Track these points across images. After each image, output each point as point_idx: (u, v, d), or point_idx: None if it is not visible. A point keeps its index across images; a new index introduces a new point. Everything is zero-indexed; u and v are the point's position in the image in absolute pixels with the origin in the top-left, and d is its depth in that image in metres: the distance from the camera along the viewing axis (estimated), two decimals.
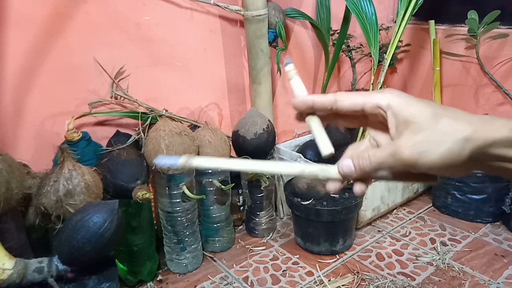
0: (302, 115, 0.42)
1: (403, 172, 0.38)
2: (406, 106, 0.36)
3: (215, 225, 1.42)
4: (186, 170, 0.40)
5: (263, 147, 1.39)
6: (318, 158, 1.73)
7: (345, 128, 1.78)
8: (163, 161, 0.41)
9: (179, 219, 1.29)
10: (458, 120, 0.34)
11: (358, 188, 0.40)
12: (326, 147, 0.41)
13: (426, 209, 1.68)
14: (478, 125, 0.34)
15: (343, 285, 1.25)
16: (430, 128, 0.34)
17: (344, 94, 0.39)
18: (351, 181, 0.41)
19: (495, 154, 0.34)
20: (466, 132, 0.33)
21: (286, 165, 0.42)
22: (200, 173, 1.36)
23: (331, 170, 0.40)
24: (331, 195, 1.40)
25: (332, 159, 0.42)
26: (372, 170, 0.38)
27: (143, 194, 1.12)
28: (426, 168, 0.35)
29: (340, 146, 1.76)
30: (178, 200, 1.27)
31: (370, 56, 1.59)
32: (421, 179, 0.39)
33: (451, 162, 0.34)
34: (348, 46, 1.78)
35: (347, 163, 0.39)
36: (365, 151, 0.38)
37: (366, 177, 0.40)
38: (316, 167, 0.40)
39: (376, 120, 0.39)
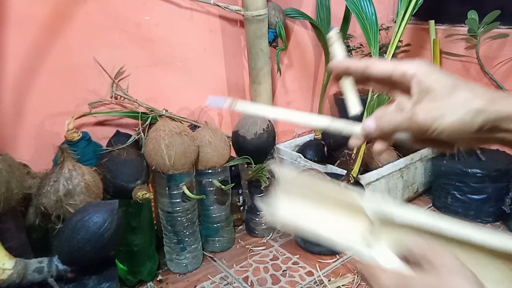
0: (337, 77, 0.46)
1: (419, 136, 0.41)
2: (430, 76, 0.39)
3: (215, 225, 1.42)
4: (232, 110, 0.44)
5: (263, 147, 1.39)
6: (318, 158, 1.73)
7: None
8: (213, 102, 0.46)
9: (179, 219, 1.29)
10: (474, 93, 0.37)
11: (377, 146, 0.44)
12: (355, 107, 0.44)
13: (426, 209, 1.68)
14: (493, 99, 0.37)
15: (343, 285, 1.25)
16: (447, 97, 0.37)
17: (376, 60, 0.43)
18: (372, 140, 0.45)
19: (506, 128, 0.37)
20: (480, 105, 0.36)
21: (317, 118, 0.45)
22: (200, 173, 1.36)
23: (355, 127, 0.43)
24: None
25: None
26: (390, 131, 0.41)
27: (143, 194, 1.12)
28: (438, 133, 0.38)
29: (340, 146, 1.78)
30: (178, 200, 1.27)
31: (370, 56, 1.59)
32: (437, 145, 0.43)
33: (462, 130, 0.37)
34: (348, 46, 1.78)
35: (369, 122, 0.42)
36: (387, 113, 0.42)
37: (385, 137, 0.43)
38: (343, 123, 0.44)
39: (403, 87, 0.42)
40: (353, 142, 0.44)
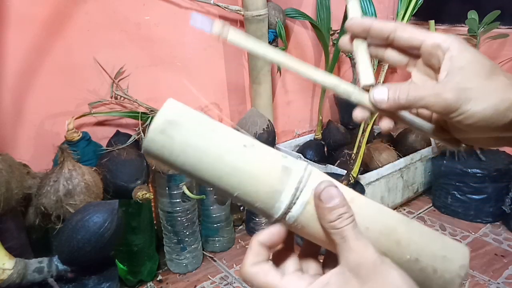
0: (351, 39, 0.39)
1: (431, 119, 0.36)
2: (466, 53, 0.34)
3: (215, 225, 1.42)
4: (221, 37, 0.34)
5: None
6: (318, 158, 1.73)
7: (345, 129, 1.78)
8: (198, 21, 0.38)
9: (179, 219, 1.29)
10: None
11: (385, 123, 0.37)
12: (367, 77, 0.38)
13: (426, 209, 1.68)
14: None
15: None
16: (483, 81, 0.33)
17: (405, 25, 0.37)
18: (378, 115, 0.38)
19: None
20: None
21: (323, 74, 0.38)
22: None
23: (364, 95, 0.37)
24: None
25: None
26: (406, 104, 0.35)
27: (143, 194, 1.12)
28: (464, 117, 0.33)
29: (340, 146, 1.78)
30: (178, 200, 1.27)
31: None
32: (445, 138, 0.38)
33: (492, 120, 0.33)
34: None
35: (382, 90, 0.35)
36: (405, 84, 0.35)
37: (395, 113, 0.37)
38: (352, 86, 0.37)
39: (428, 62, 0.37)
40: (358, 114, 0.38)
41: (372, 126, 1.42)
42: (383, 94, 0.35)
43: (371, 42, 0.39)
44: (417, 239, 0.34)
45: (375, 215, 0.34)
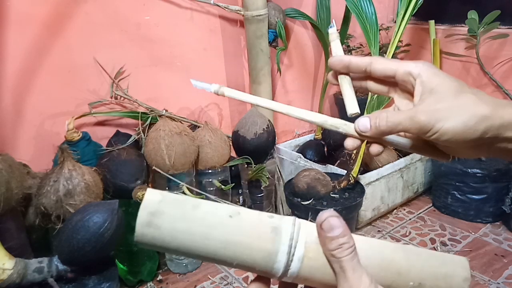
0: (336, 75, 0.45)
1: (416, 139, 0.40)
2: (435, 77, 0.38)
3: None
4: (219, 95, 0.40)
5: (263, 147, 1.39)
6: (318, 158, 1.73)
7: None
8: (198, 83, 0.42)
9: None
10: (479, 99, 0.36)
11: (374, 148, 0.42)
12: (352, 107, 0.43)
13: (426, 209, 1.68)
14: (497, 107, 0.35)
15: None
16: (452, 100, 0.36)
17: (379, 58, 0.41)
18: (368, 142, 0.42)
19: (508, 136, 0.36)
20: (485, 111, 0.35)
21: (311, 113, 0.43)
22: (200, 173, 1.36)
23: (351, 126, 0.41)
24: (331, 194, 1.40)
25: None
26: (387, 130, 0.38)
27: (143, 194, 1.12)
28: (438, 136, 0.36)
29: (340, 146, 1.77)
30: None
31: (370, 55, 1.59)
32: (433, 153, 0.41)
33: (464, 136, 0.35)
34: (348, 46, 1.78)
35: (364, 120, 0.39)
36: (384, 112, 0.39)
37: (380, 139, 0.41)
38: (339, 121, 0.41)
39: (404, 88, 0.41)
40: (348, 143, 0.42)
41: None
42: (366, 124, 0.39)
43: (354, 76, 0.44)
44: (416, 263, 0.35)
45: (370, 251, 0.35)
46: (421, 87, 0.38)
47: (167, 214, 0.33)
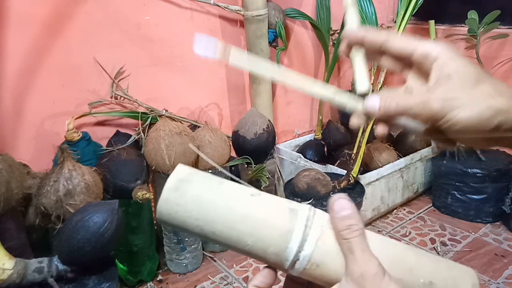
0: (348, 48, 0.41)
1: (427, 124, 0.38)
2: (454, 62, 0.36)
3: None
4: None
5: (263, 147, 1.39)
6: (318, 158, 1.73)
7: (345, 129, 1.78)
8: (201, 44, 0.39)
9: None
10: (497, 90, 0.34)
11: (380, 129, 0.40)
12: (363, 84, 0.40)
13: (426, 209, 1.68)
14: None
15: None
16: (469, 89, 0.34)
17: (397, 36, 0.39)
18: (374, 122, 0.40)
19: None
20: (502, 104, 0.34)
21: (320, 86, 0.39)
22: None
23: (359, 104, 0.39)
24: (331, 194, 1.39)
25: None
26: (396, 113, 0.37)
27: (143, 194, 1.12)
28: (451, 125, 0.34)
29: (340, 146, 1.77)
30: None
31: None
32: (439, 138, 0.39)
33: (477, 127, 0.34)
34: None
35: (374, 99, 0.37)
36: (396, 94, 0.37)
37: (388, 120, 0.39)
38: (347, 96, 0.39)
39: (420, 69, 0.38)
40: (354, 121, 0.40)
41: (372, 126, 1.42)
42: (375, 104, 0.37)
43: (368, 50, 0.41)
44: (426, 263, 0.35)
45: (382, 246, 0.35)
46: (438, 71, 0.36)
47: (194, 183, 0.35)
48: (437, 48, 0.36)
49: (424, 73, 0.38)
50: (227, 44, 0.39)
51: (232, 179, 0.39)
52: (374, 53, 0.41)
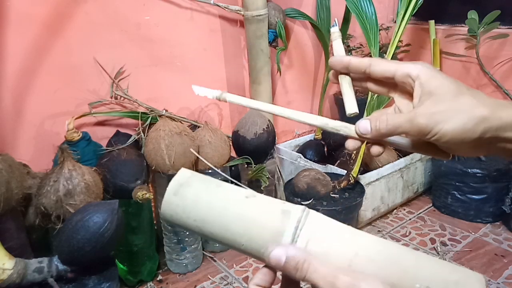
0: (336, 75, 0.45)
1: (416, 140, 0.40)
2: (434, 79, 0.38)
3: None
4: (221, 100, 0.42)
5: (263, 147, 1.39)
6: (318, 158, 1.73)
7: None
8: (199, 90, 0.44)
9: None
10: (478, 100, 0.36)
11: (374, 149, 0.42)
12: (351, 107, 0.43)
13: (426, 209, 1.68)
14: (496, 108, 0.36)
15: None
16: (450, 102, 0.36)
17: (378, 60, 0.42)
18: (369, 143, 0.43)
19: (507, 137, 0.36)
20: (483, 112, 0.35)
21: (312, 116, 0.43)
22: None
23: (351, 128, 0.41)
24: (331, 194, 1.39)
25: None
26: (387, 133, 0.39)
27: (143, 194, 1.12)
28: (438, 138, 0.37)
29: (340, 146, 1.77)
30: None
31: (370, 56, 1.59)
32: (433, 152, 0.41)
33: (463, 137, 0.36)
34: (348, 46, 1.78)
35: (364, 123, 0.40)
36: (384, 115, 0.40)
37: (381, 140, 0.41)
38: (339, 123, 0.42)
39: (404, 89, 0.41)
40: (349, 144, 0.43)
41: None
42: (366, 126, 0.40)
43: (354, 76, 0.44)
44: (424, 266, 0.34)
45: (378, 246, 0.35)
46: (420, 89, 0.38)
47: (193, 187, 0.38)
48: (416, 68, 0.39)
49: (407, 92, 0.41)
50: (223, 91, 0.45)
51: (231, 181, 0.41)
52: (360, 78, 0.44)
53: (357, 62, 0.42)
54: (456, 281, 0.33)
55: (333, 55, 0.46)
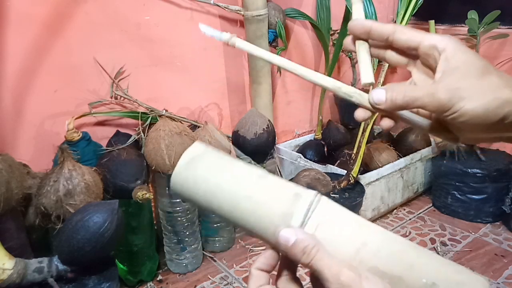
0: (354, 40, 0.41)
1: (429, 117, 0.38)
2: (461, 53, 0.36)
3: (215, 225, 1.42)
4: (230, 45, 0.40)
5: (263, 147, 1.39)
6: (318, 158, 1.73)
7: (345, 129, 1.78)
8: (207, 29, 0.42)
9: (179, 219, 1.29)
10: (504, 82, 0.34)
11: (385, 123, 0.40)
12: (367, 76, 0.40)
13: (426, 209, 1.68)
14: None
15: None
16: (476, 80, 0.34)
17: (404, 28, 0.39)
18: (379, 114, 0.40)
19: None
20: (508, 95, 0.34)
21: (325, 77, 0.40)
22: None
23: (365, 96, 0.39)
24: (331, 194, 1.40)
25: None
26: (403, 105, 0.36)
27: (143, 194, 1.12)
28: (458, 115, 0.34)
29: (340, 146, 1.77)
30: (178, 200, 1.27)
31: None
32: (443, 133, 0.39)
33: (483, 118, 0.34)
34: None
35: (379, 91, 0.37)
36: (402, 85, 0.37)
37: (393, 113, 0.38)
38: (353, 89, 0.39)
39: (426, 62, 0.38)
40: (359, 114, 0.39)
41: (372, 126, 1.42)
42: (381, 96, 0.37)
43: (373, 43, 0.41)
44: (429, 262, 0.34)
45: (384, 240, 0.34)
46: (445, 63, 0.36)
47: (205, 160, 0.37)
48: (444, 41, 0.36)
49: (429, 66, 0.38)
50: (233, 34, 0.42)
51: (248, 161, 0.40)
52: (380, 46, 0.41)
53: (380, 27, 0.39)
54: (461, 282, 0.33)
55: (352, 18, 0.42)
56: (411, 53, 0.39)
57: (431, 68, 0.38)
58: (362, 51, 0.41)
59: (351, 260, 0.33)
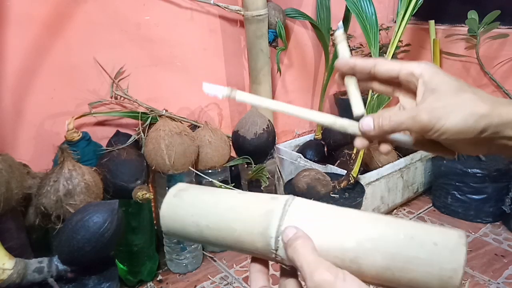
0: (342, 76, 0.45)
1: (420, 138, 0.41)
2: (436, 76, 0.39)
3: None
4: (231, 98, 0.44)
5: (263, 147, 1.39)
6: (318, 158, 1.73)
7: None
8: (209, 88, 0.45)
9: None
10: (479, 97, 0.37)
11: (383, 148, 0.43)
12: (358, 108, 0.44)
13: (426, 209, 1.68)
14: (497, 105, 0.36)
15: None
16: (452, 98, 0.37)
17: (383, 60, 0.43)
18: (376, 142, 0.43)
19: (507, 135, 0.36)
20: (484, 109, 0.36)
21: (321, 114, 0.44)
22: (200, 173, 1.36)
23: (357, 126, 0.42)
24: (331, 194, 1.39)
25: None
26: (390, 129, 0.39)
27: (143, 194, 1.12)
28: (440, 134, 0.37)
29: (340, 146, 1.77)
30: None
31: (370, 56, 1.59)
32: (436, 149, 0.42)
33: (464, 133, 0.36)
34: (348, 46, 1.78)
35: (367, 120, 0.41)
36: (387, 112, 0.40)
37: (385, 137, 0.42)
38: (347, 121, 0.42)
39: (408, 88, 0.42)
40: (358, 143, 0.43)
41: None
42: (369, 123, 0.40)
43: (359, 77, 0.45)
44: (405, 222, 0.36)
45: (367, 222, 0.36)
46: (423, 86, 0.39)
47: (190, 191, 0.43)
48: (420, 67, 0.40)
49: (411, 91, 0.42)
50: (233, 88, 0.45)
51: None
52: (366, 79, 0.45)
53: (362, 63, 0.43)
54: (438, 230, 0.34)
55: (338, 57, 0.46)
56: (394, 82, 0.43)
57: (414, 93, 0.41)
58: (351, 86, 0.45)
59: (335, 250, 0.34)
